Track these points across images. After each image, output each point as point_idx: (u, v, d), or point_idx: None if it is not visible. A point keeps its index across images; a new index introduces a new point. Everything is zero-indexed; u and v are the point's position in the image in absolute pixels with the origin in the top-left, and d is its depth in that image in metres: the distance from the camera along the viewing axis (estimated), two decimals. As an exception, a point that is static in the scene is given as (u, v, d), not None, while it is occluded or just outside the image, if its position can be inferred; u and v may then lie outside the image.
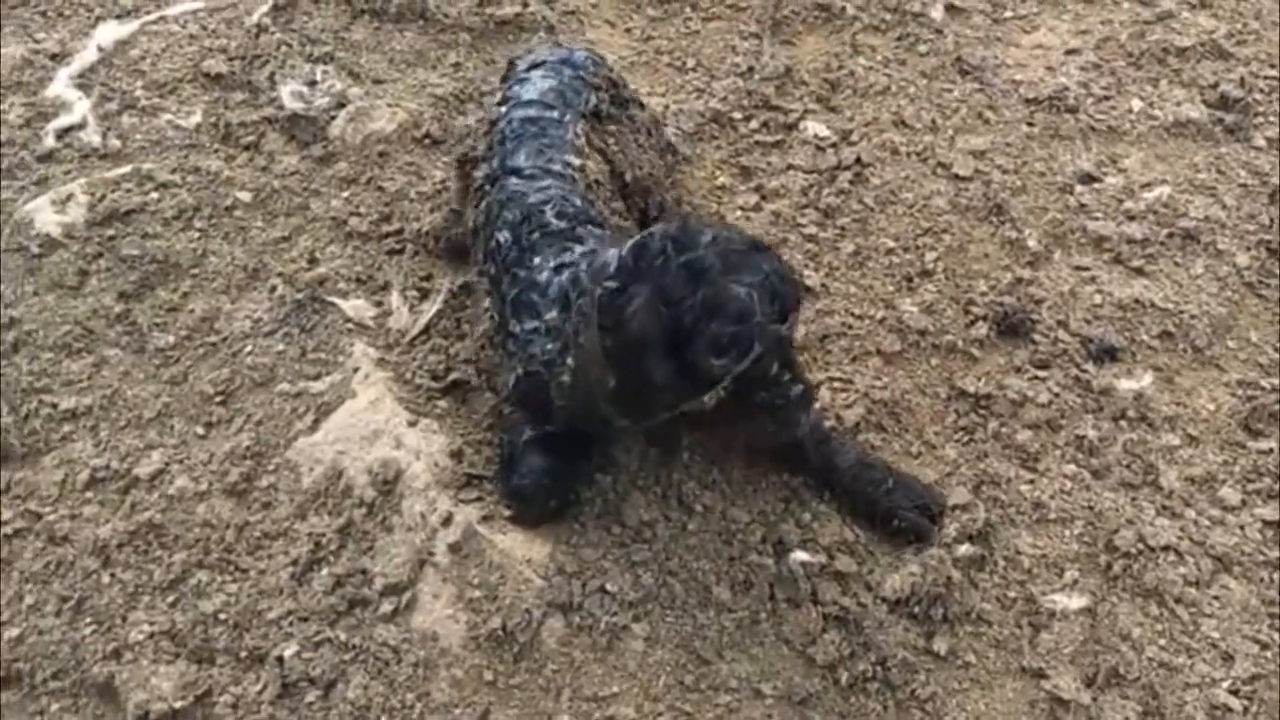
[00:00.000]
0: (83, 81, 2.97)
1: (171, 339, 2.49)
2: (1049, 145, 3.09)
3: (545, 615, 2.08)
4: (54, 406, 2.36)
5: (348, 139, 2.90)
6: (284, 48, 3.10)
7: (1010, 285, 2.73)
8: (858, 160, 2.98)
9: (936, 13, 3.42)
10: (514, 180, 2.34)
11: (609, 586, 2.12)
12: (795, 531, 2.24)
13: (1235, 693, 2.11)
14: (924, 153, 3.04)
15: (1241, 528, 2.34)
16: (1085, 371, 2.57)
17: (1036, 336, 2.63)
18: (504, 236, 2.28)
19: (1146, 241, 2.84)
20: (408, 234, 2.71)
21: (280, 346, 2.48)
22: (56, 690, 2.03)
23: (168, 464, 2.29)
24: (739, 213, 2.85)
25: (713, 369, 1.87)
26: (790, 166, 2.98)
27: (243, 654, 2.06)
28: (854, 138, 3.06)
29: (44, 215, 2.65)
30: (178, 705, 1.99)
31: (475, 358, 2.45)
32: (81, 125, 2.87)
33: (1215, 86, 3.22)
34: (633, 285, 1.91)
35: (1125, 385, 2.55)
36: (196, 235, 2.67)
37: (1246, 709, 2.09)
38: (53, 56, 3.04)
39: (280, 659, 2.04)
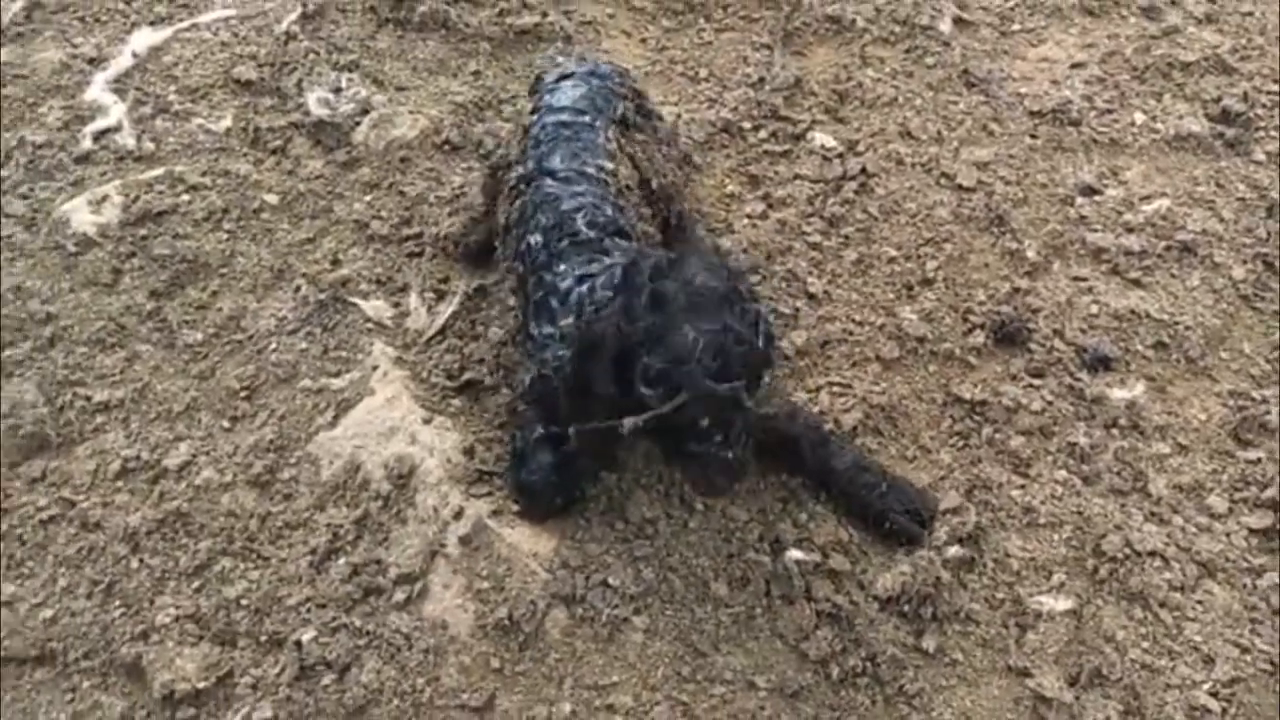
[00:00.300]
0: (118, 86, 3.07)
1: (200, 336, 2.57)
2: (1051, 157, 3.14)
3: (550, 606, 2.15)
4: (88, 399, 2.44)
5: (371, 144, 2.98)
6: (311, 55, 3.18)
7: (1008, 295, 2.78)
8: (863, 170, 3.04)
9: (945, 26, 3.47)
10: (549, 182, 2.38)
11: (611, 580, 2.18)
12: (792, 531, 2.30)
13: (1215, 695, 2.16)
14: (928, 163, 3.10)
15: (1227, 535, 2.39)
16: (1079, 380, 2.62)
17: (1033, 345, 2.68)
18: (535, 240, 2.32)
19: (1144, 253, 2.89)
20: (427, 237, 2.78)
21: (303, 344, 2.56)
22: (87, 669, 2.11)
23: (195, 455, 2.37)
24: (746, 220, 2.92)
25: (643, 397, 1.91)
26: (797, 176, 3.04)
27: (263, 638, 2.13)
28: (860, 148, 3.12)
29: (80, 215, 2.74)
30: (201, 685, 2.06)
31: (490, 358, 2.52)
32: (117, 128, 2.96)
33: (1218, 101, 3.27)
34: (617, 296, 1.98)
35: (1118, 394, 2.60)
36: (225, 236, 2.75)
37: (1225, 711, 2.14)
38: (90, 61, 3.13)
39: (298, 643, 2.11)
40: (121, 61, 3.12)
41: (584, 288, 2.18)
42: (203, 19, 3.28)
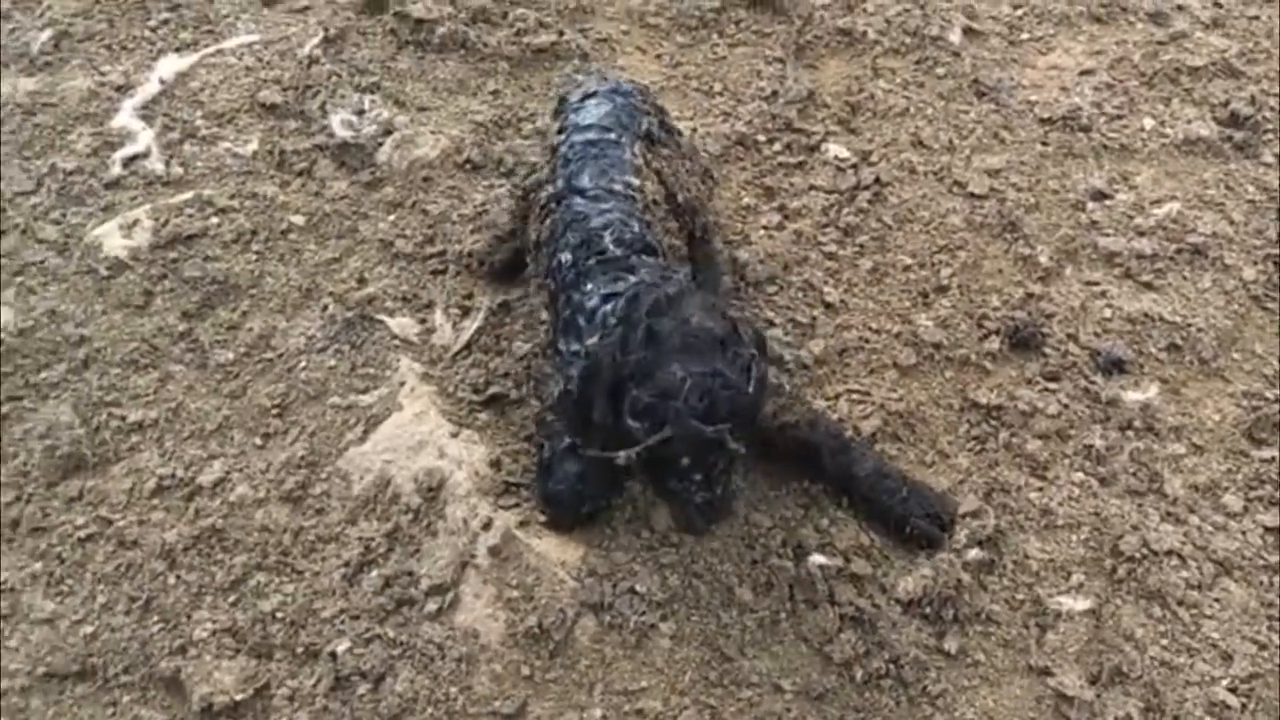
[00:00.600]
0: (146, 112, 3.12)
1: (231, 355, 2.61)
2: (1062, 163, 3.18)
3: (579, 614, 2.18)
4: (122, 419, 2.49)
5: (394, 165, 3.03)
6: (334, 78, 3.23)
7: (1022, 300, 2.82)
8: (877, 180, 3.08)
9: (955, 36, 3.51)
10: (579, 200, 2.41)
11: (638, 588, 2.21)
12: (814, 536, 2.33)
13: (1234, 690, 2.19)
14: (941, 172, 3.13)
15: (1243, 533, 2.42)
16: (1094, 383, 2.65)
17: (1047, 350, 2.71)
18: (565, 257, 2.34)
19: (1155, 257, 2.92)
20: (450, 255, 2.82)
21: (332, 362, 2.60)
22: (127, 684, 2.14)
23: (228, 473, 2.41)
24: (762, 231, 2.96)
25: (630, 428, 1.95)
26: (812, 187, 3.08)
27: (299, 650, 2.17)
28: (873, 158, 3.16)
29: (112, 239, 2.79)
30: (239, 697, 2.10)
31: (515, 371, 2.55)
32: (146, 154, 3.01)
33: (1226, 104, 3.30)
34: (618, 326, 2.03)
35: (1132, 396, 2.63)
36: (254, 257, 2.80)
37: (1244, 706, 2.17)
38: (118, 89, 3.18)
39: (333, 654, 2.15)
40: (149, 88, 3.17)
41: (609, 307, 2.20)
42: (227, 45, 3.33)
